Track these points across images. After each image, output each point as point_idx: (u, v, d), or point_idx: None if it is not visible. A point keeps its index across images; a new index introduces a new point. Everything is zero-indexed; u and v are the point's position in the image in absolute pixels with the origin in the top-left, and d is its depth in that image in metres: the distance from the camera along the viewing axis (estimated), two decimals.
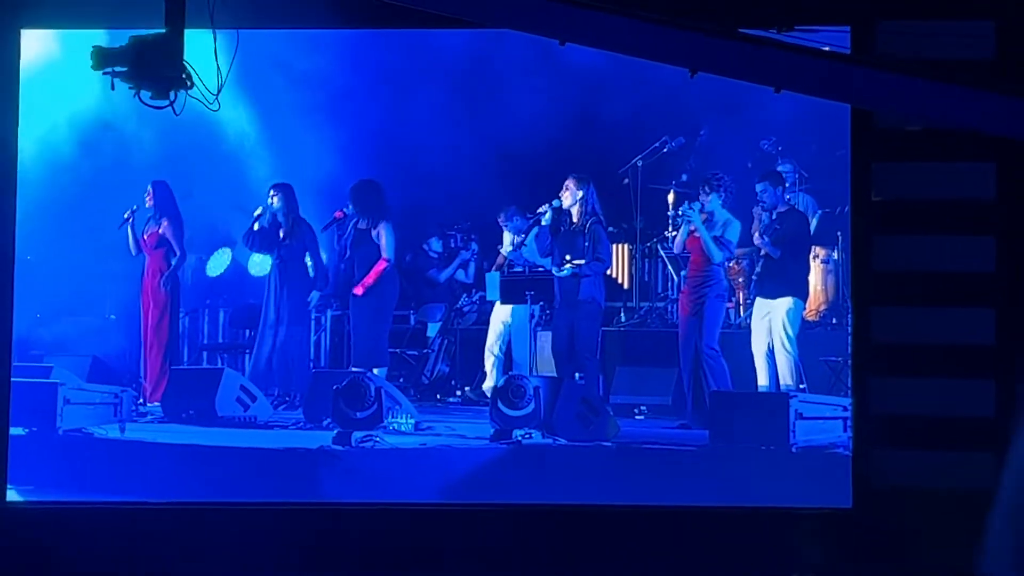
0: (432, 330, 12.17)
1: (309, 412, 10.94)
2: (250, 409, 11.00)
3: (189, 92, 7.66)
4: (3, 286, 9.91)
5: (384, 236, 11.46)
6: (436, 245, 12.38)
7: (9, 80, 9.99)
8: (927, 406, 9.31)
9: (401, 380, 11.70)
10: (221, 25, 8.01)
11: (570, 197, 11.05)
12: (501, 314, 11.59)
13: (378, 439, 10.29)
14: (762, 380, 10.75)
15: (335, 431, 10.35)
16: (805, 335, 10.84)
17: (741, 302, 11.43)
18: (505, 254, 11.70)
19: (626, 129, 11.40)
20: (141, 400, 11.37)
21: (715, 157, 11.40)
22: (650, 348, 11.27)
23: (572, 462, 10.07)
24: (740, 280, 11.42)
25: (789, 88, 7.33)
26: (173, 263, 11.64)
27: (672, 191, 11.41)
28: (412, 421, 10.64)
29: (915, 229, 9.43)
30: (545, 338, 11.23)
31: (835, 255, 11.30)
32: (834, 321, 11.26)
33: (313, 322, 11.81)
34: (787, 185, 11.18)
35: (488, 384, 11.41)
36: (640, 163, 11.45)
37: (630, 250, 11.78)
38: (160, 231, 11.60)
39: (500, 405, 10.37)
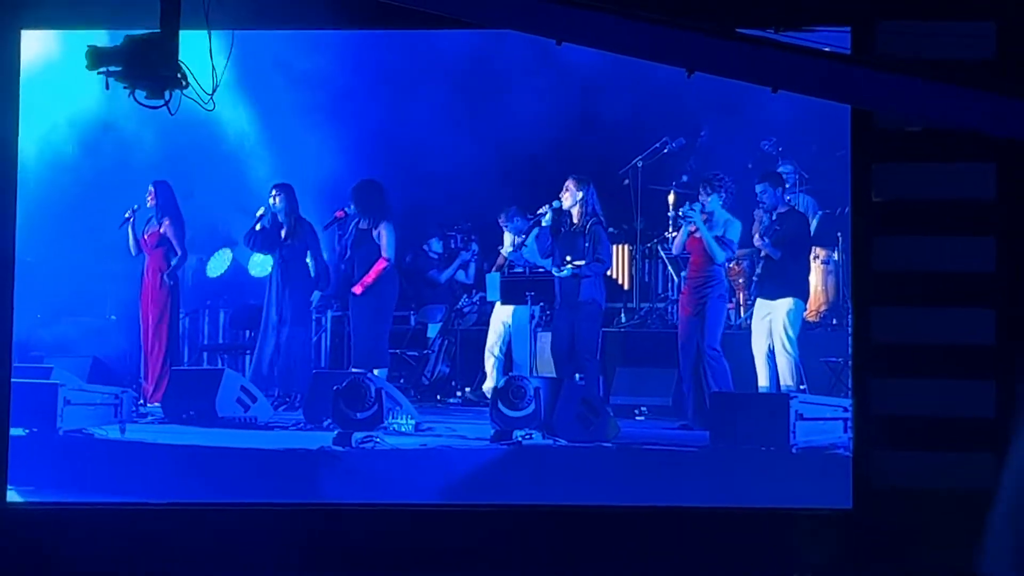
0: (432, 331, 12.16)
1: (309, 413, 10.93)
2: (250, 410, 11.00)
3: (184, 92, 7.65)
4: (3, 287, 9.91)
5: (384, 236, 11.46)
6: (436, 246, 12.36)
7: (9, 80, 9.99)
8: (927, 406, 9.30)
9: (401, 381, 11.70)
10: (220, 26, 8.01)
11: (570, 198, 11.05)
12: (501, 315, 11.58)
13: (378, 440, 10.29)
14: (762, 381, 10.74)
15: (335, 432, 10.35)
16: (805, 336, 10.83)
17: (741, 303, 11.43)
18: (505, 255, 11.69)
19: (626, 130, 11.40)
20: (141, 401, 11.36)
21: (715, 158, 11.39)
22: (650, 349, 11.27)
23: (572, 463, 10.07)
24: (740, 281, 11.42)
25: (788, 88, 7.33)
26: (173, 263, 11.64)
27: (672, 192, 11.40)
28: (412, 422, 10.63)
29: (915, 229, 9.42)
30: (545, 339, 11.22)
31: (835, 256, 11.29)
32: (834, 322, 11.26)
33: (314, 323, 11.81)
34: (787, 186, 11.17)
35: (488, 385, 11.39)
36: (640, 164, 11.45)
37: (630, 251, 11.78)
38: (161, 231, 11.60)
39: (500, 406, 10.37)
